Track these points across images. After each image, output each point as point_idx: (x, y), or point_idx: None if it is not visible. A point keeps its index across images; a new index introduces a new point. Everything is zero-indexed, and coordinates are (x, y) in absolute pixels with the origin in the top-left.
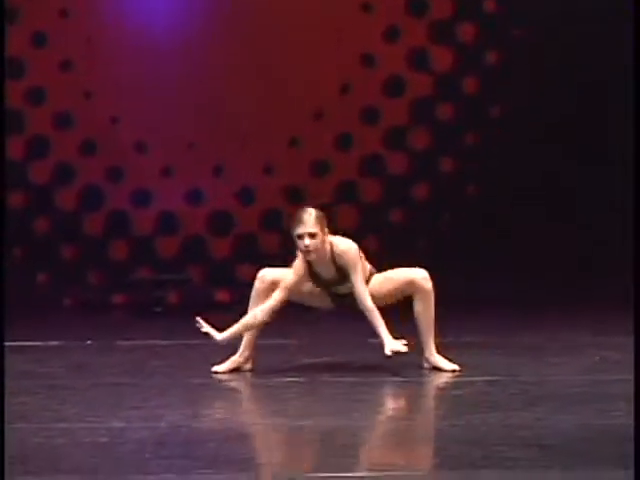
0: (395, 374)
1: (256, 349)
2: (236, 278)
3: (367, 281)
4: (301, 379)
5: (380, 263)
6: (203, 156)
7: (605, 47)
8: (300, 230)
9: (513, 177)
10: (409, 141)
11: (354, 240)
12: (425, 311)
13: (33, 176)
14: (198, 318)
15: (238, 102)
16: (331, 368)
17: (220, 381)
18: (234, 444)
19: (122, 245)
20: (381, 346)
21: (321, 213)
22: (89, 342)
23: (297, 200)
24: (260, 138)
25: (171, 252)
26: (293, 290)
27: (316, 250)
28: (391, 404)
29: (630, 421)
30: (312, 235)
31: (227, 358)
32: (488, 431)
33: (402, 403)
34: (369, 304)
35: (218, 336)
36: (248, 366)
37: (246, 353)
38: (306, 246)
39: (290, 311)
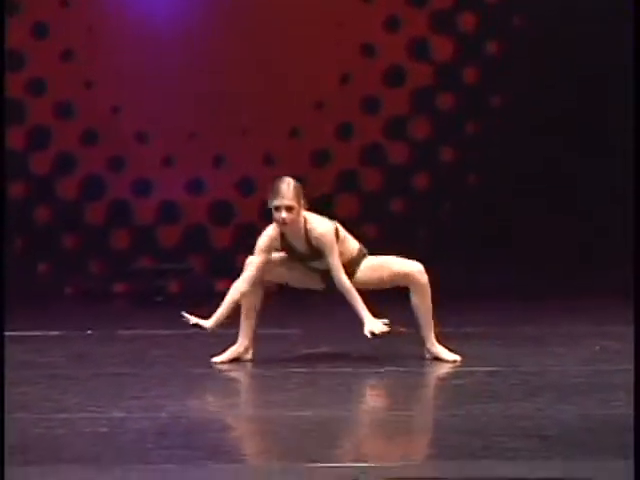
0: (396, 364)
1: (256, 339)
2: (237, 268)
3: (355, 262)
4: (301, 369)
5: (380, 253)
6: (204, 146)
7: (606, 37)
8: (277, 202)
9: (514, 167)
10: (409, 131)
11: (355, 227)
12: (422, 304)
13: (34, 166)
14: (183, 313)
15: (239, 92)
16: (332, 358)
17: (220, 371)
18: (234, 434)
19: (123, 234)
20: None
21: (299, 184)
22: (90, 332)
23: None
24: (261, 128)
25: (172, 242)
26: (266, 251)
27: (292, 223)
28: (391, 394)
29: (630, 411)
30: (289, 208)
31: (227, 348)
32: (489, 421)
33: (403, 393)
34: (347, 285)
35: (207, 323)
36: (248, 356)
37: (246, 342)
38: (283, 219)
39: (290, 301)
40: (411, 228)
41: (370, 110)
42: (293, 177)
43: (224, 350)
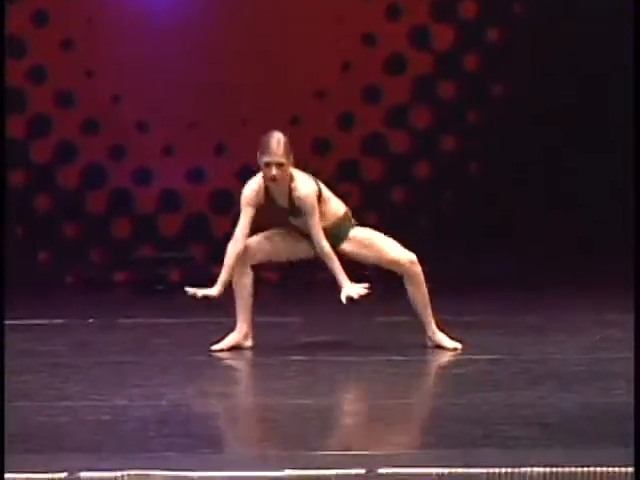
0: (396, 352)
1: (255, 326)
2: None
3: (340, 224)
4: (301, 357)
5: None
6: (205, 135)
7: (608, 28)
8: (268, 158)
9: (515, 155)
10: (410, 119)
11: (356, 216)
12: (417, 292)
13: (35, 155)
14: (187, 288)
15: (239, 81)
16: (332, 346)
17: (221, 359)
18: (235, 422)
19: (124, 223)
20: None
21: (287, 140)
22: (91, 320)
23: None
24: (261, 117)
25: (173, 230)
26: (253, 205)
27: (282, 179)
28: (392, 382)
29: (631, 399)
30: (280, 165)
31: (227, 336)
32: (490, 410)
33: (403, 381)
34: (326, 249)
35: (213, 291)
36: (248, 343)
37: (244, 327)
38: (273, 176)
39: (291, 289)
40: (412, 217)
41: (371, 99)
42: (296, 165)
43: (224, 338)
